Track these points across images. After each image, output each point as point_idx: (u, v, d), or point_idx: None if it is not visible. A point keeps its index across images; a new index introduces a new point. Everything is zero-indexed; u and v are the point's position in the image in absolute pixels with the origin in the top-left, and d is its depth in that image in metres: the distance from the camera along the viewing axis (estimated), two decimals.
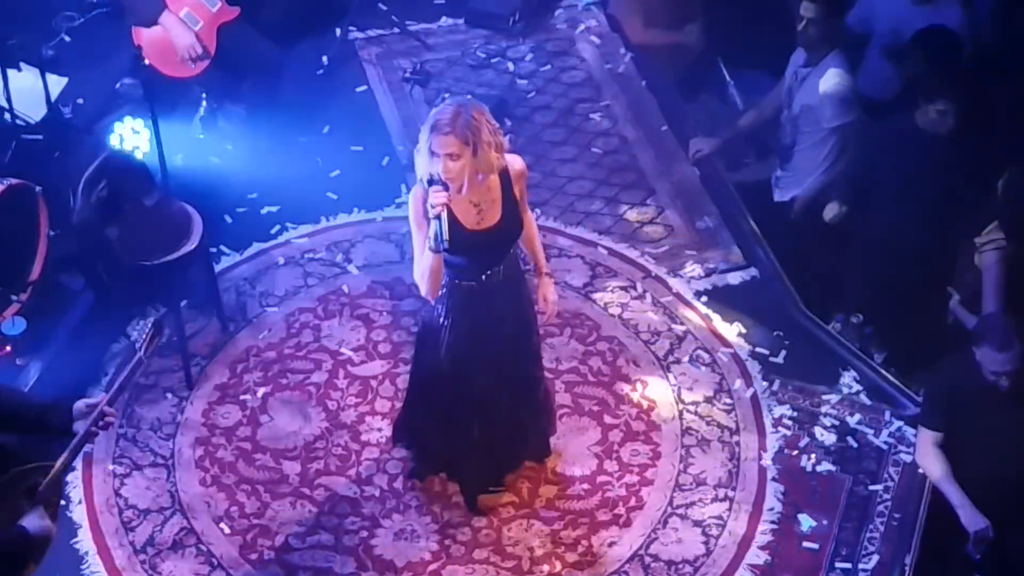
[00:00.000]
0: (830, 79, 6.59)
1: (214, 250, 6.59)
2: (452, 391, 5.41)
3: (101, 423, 4.40)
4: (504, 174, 5.07)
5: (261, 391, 6.14)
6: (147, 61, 6.58)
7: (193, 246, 6.01)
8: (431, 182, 4.88)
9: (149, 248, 5.95)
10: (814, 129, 6.72)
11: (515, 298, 5.33)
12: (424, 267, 5.00)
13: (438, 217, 4.85)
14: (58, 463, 4.34)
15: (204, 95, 7.17)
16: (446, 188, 4.88)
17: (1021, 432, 5.38)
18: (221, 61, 6.87)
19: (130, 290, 6.25)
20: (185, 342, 6.18)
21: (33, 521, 4.20)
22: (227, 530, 5.65)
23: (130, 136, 6.39)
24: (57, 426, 4.46)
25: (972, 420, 5.45)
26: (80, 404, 4.45)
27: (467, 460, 5.64)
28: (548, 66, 7.85)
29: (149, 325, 4.62)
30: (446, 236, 4.85)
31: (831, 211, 6.65)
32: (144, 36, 6.71)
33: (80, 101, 7.17)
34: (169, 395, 6.13)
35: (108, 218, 6.03)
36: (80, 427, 4.39)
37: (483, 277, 5.14)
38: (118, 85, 7.16)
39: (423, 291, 5.09)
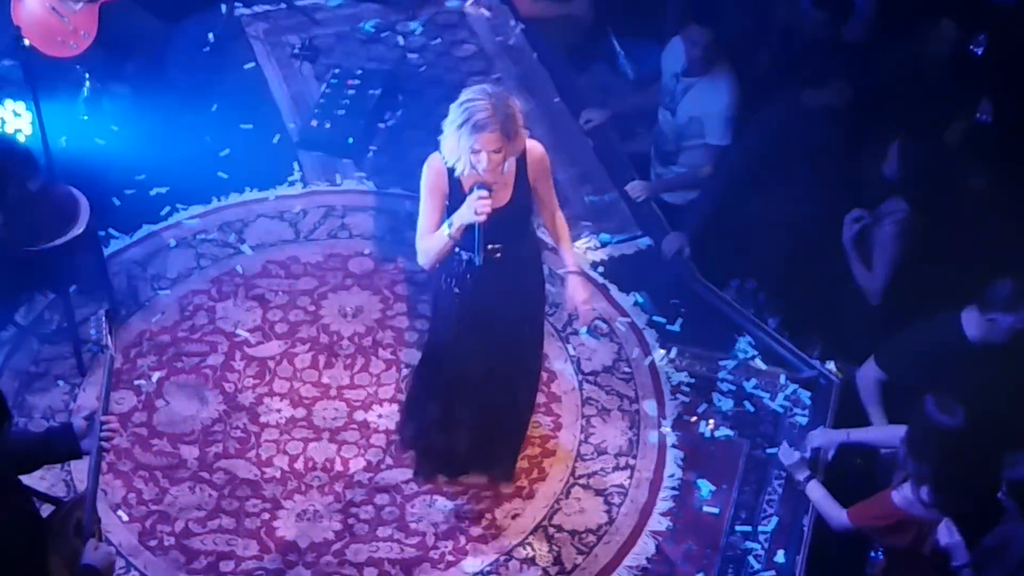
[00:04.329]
0: (723, 97, 6.52)
1: (103, 233, 6.47)
2: (451, 366, 5.36)
3: (106, 434, 4.36)
4: (521, 156, 5.01)
5: (156, 375, 6.06)
6: (27, 42, 6.43)
7: (80, 230, 5.89)
8: (479, 186, 4.83)
9: (35, 233, 5.83)
10: (699, 141, 6.71)
11: (522, 285, 5.23)
12: (433, 246, 4.98)
13: (476, 225, 4.85)
14: (87, 491, 4.35)
15: (87, 75, 7.04)
16: (491, 192, 4.83)
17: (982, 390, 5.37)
18: (104, 40, 6.73)
19: (17, 276, 6.13)
20: (75, 328, 6.06)
21: (91, 555, 4.23)
22: (125, 517, 5.57)
23: (11, 119, 6.28)
24: (64, 451, 4.46)
25: (940, 379, 5.42)
26: (78, 422, 4.41)
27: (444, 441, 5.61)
28: (438, 40, 7.81)
29: (103, 319, 4.55)
30: (482, 252, 4.91)
31: (673, 244, 6.64)
32: (23, 15, 6.55)
33: None
34: (60, 382, 6.02)
35: None
36: (88, 445, 4.37)
37: (483, 253, 5.03)
38: None
39: (422, 262, 5.09)
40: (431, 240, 5.02)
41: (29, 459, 4.47)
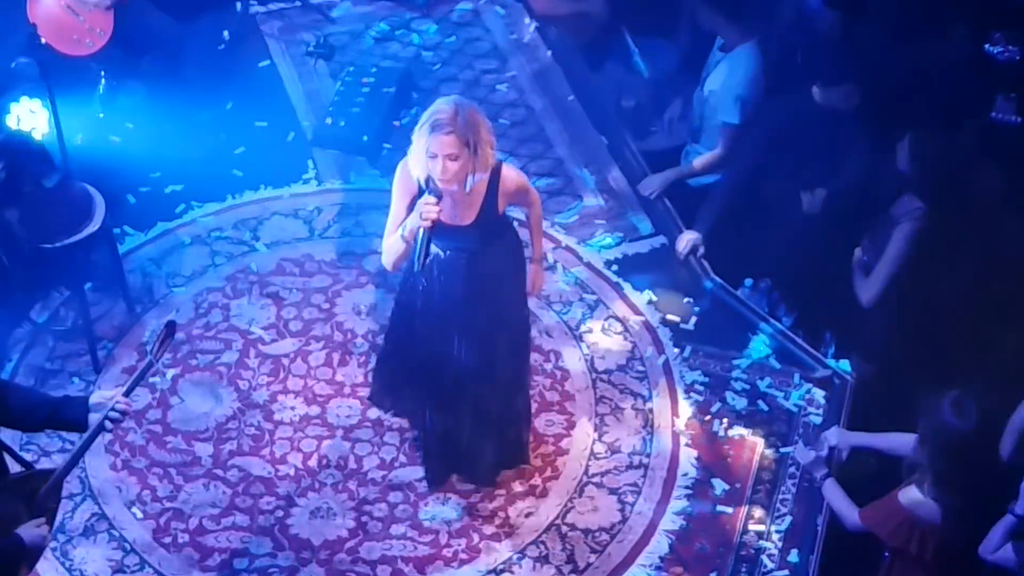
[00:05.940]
0: (736, 74, 6.53)
1: (118, 231, 6.50)
2: (410, 352, 5.47)
3: (113, 415, 4.32)
4: (493, 177, 5.02)
5: (170, 373, 6.07)
6: (43, 39, 6.45)
7: (96, 227, 5.92)
8: (427, 191, 4.85)
9: (51, 230, 5.86)
10: (716, 121, 6.71)
11: (489, 295, 5.23)
12: (392, 248, 5.05)
13: (420, 231, 4.86)
14: (59, 470, 4.31)
15: (103, 73, 7.06)
16: (439, 199, 4.84)
17: None
18: (120, 38, 6.76)
19: (32, 274, 6.14)
20: (90, 325, 6.10)
21: (29, 530, 4.18)
22: (139, 514, 5.59)
23: (27, 116, 6.27)
24: (72, 419, 4.39)
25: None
26: (96, 396, 4.38)
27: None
28: (453, 37, 7.82)
29: (162, 328, 4.54)
30: (424, 259, 4.90)
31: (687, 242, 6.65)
32: (39, 14, 6.57)
33: None
34: (76, 379, 6.05)
35: (7, 201, 5.90)
36: (92, 421, 4.32)
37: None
38: (13, 64, 6.99)
39: (383, 261, 5.18)
40: (390, 240, 5.07)
41: (36, 416, 4.41)
